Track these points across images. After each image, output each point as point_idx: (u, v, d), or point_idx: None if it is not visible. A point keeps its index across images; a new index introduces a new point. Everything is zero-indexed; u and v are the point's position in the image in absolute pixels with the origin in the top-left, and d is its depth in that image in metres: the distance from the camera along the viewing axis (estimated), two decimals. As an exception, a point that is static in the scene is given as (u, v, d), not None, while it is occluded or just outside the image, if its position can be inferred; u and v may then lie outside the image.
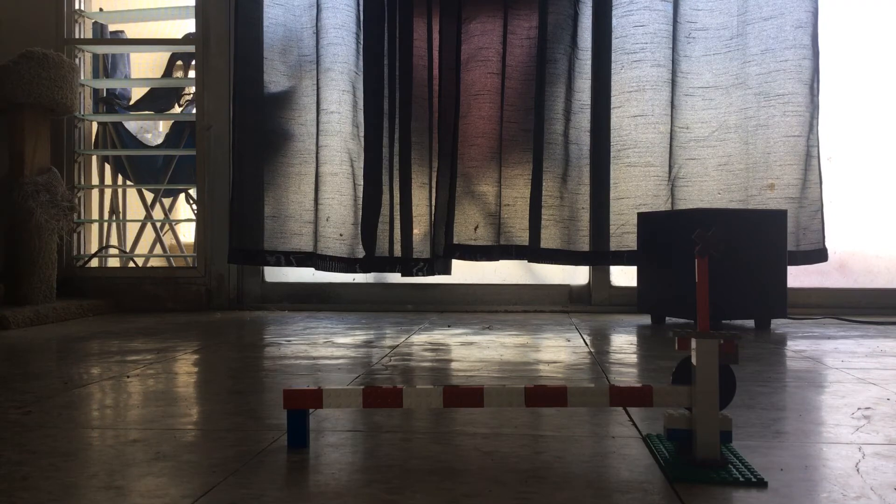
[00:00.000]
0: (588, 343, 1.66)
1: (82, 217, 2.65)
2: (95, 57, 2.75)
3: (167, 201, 3.06)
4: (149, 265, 2.76)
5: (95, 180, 2.76)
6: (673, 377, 0.74)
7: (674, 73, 2.32)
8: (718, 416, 0.70)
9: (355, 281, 2.58)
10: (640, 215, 2.15)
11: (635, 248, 2.23)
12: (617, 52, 2.34)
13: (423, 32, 2.37)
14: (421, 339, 1.71)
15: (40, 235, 2.18)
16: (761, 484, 0.66)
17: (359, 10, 2.40)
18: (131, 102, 2.90)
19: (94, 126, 2.75)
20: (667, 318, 2.12)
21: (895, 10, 2.47)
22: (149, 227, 2.92)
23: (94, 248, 2.72)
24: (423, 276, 2.39)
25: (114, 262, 2.78)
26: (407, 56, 2.35)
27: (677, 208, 2.31)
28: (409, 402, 0.75)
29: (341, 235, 2.40)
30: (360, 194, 2.40)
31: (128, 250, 2.86)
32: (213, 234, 2.53)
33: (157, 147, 2.95)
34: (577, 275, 2.54)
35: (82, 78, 2.63)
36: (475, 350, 1.54)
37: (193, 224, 2.60)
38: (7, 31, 2.52)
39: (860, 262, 2.49)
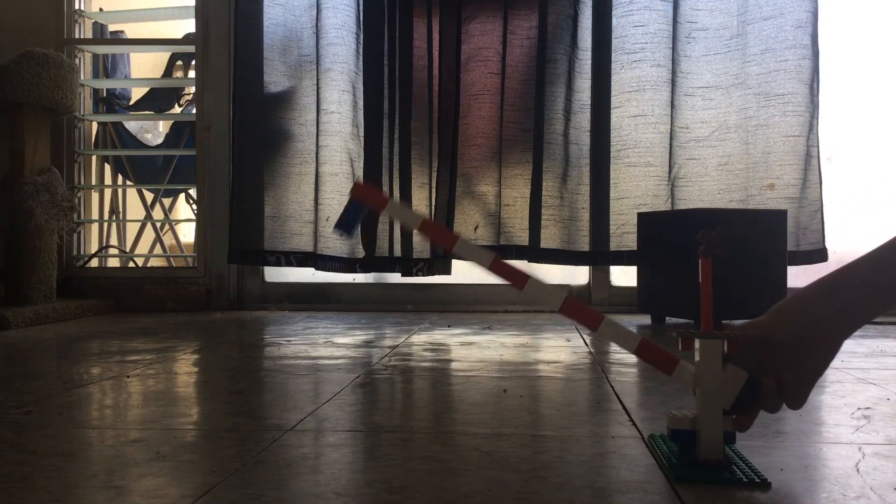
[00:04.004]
0: (588, 343, 1.66)
1: (82, 217, 2.65)
2: (95, 57, 2.75)
3: (167, 201, 3.06)
4: (149, 265, 2.76)
5: (95, 180, 2.76)
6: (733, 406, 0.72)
7: (674, 73, 2.32)
8: (722, 417, 0.70)
9: (355, 281, 2.58)
10: (640, 215, 2.15)
11: (635, 248, 2.22)
12: (617, 52, 2.34)
13: (423, 32, 2.37)
14: (421, 340, 1.71)
15: (40, 235, 2.18)
16: (765, 484, 0.66)
17: (359, 10, 2.40)
18: (131, 102, 2.91)
19: (94, 126, 2.75)
20: (667, 318, 2.12)
21: (895, 10, 2.47)
22: (149, 227, 2.92)
23: (94, 248, 2.72)
24: (423, 276, 2.39)
25: (114, 262, 2.78)
26: (407, 56, 2.35)
27: (677, 208, 2.31)
28: (461, 251, 0.75)
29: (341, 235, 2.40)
30: (360, 194, 2.39)
31: (128, 250, 2.86)
32: (213, 234, 2.53)
33: (157, 147, 2.95)
34: (577, 275, 2.54)
35: (82, 78, 2.63)
36: (475, 350, 1.54)
37: (193, 224, 2.60)
38: (7, 31, 2.52)
39: (860, 262, 2.48)
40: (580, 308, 0.75)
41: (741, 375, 0.71)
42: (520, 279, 0.74)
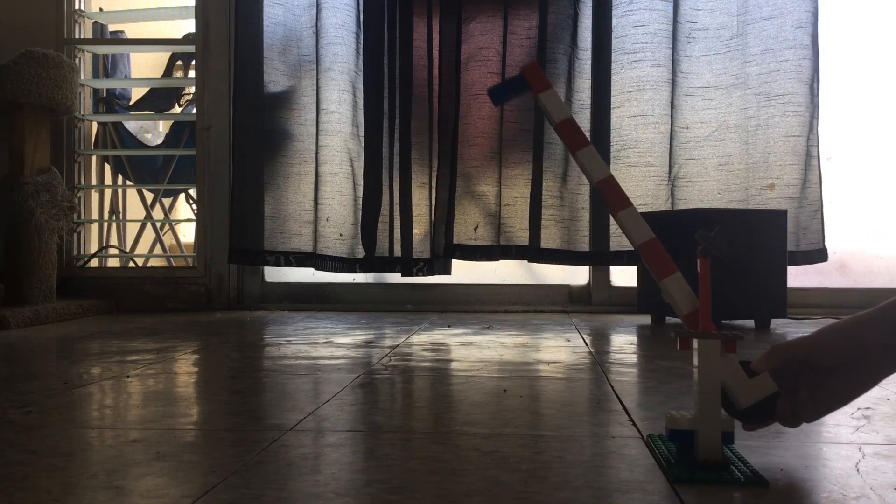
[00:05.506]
0: (588, 343, 1.66)
1: (82, 217, 2.65)
2: (95, 57, 2.75)
3: (167, 201, 3.06)
4: (149, 265, 2.76)
5: (95, 180, 2.76)
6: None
7: (674, 73, 2.32)
8: (721, 417, 0.70)
9: (355, 281, 2.58)
10: (640, 215, 2.15)
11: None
12: (617, 51, 2.34)
13: (423, 32, 2.37)
14: (421, 339, 1.71)
15: (40, 235, 2.18)
16: (763, 484, 0.66)
17: (359, 10, 2.40)
18: (131, 102, 2.91)
19: (94, 126, 2.75)
20: (667, 318, 2.12)
21: (895, 10, 2.47)
22: (149, 227, 2.92)
23: (94, 248, 2.72)
24: (423, 276, 2.39)
25: (114, 262, 2.78)
26: (407, 56, 2.35)
27: (677, 208, 2.31)
28: (583, 159, 0.75)
29: (341, 235, 2.40)
30: (360, 194, 2.40)
31: (128, 250, 2.86)
32: (213, 234, 2.53)
33: (157, 147, 2.95)
34: (577, 275, 2.54)
35: (82, 78, 2.63)
36: (475, 350, 1.54)
37: (193, 224, 2.60)
38: (7, 31, 2.52)
39: (860, 262, 2.49)
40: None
41: (769, 388, 0.71)
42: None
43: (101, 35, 2.74)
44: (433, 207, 2.38)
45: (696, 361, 0.71)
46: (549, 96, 0.73)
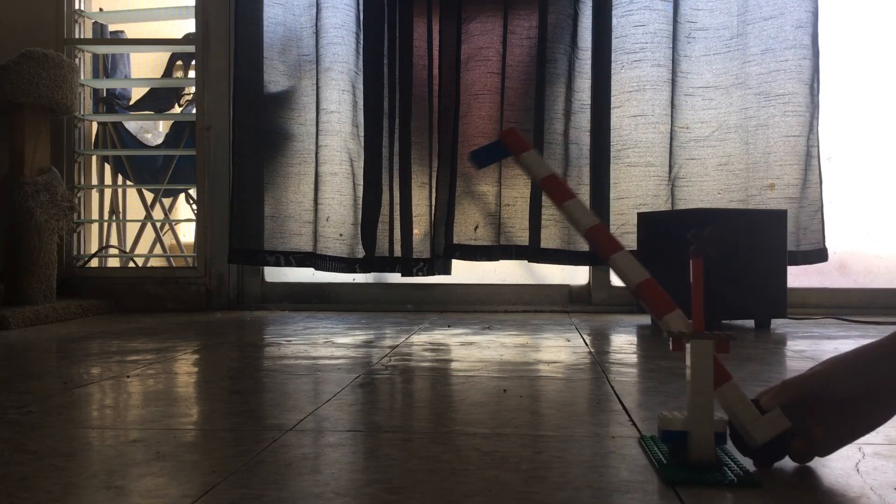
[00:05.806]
0: (588, 343, 1.66)
1: (82, 217, 2.65)
2: (95, 57, 2.75)
3: (167, 201, 3.06)
4: (149, 265, 2.76)
5: (95, 180, 2.76)
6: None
7: (674, 72, 2.32)
8: (713, 418, 0.70)
9: (355, 281, 2.58)
10: (640, 215, 2.15)
11: (635, 248, 2.22)
12: (617, 51, 2.34)
13: (423, 32, 2.37)
14: (421, 339, 1.71)
15: (40, 235, 2.18)
16: (755, 485, 0.66)
17: (359, 10, 2.40)
18: (131, 102, 2.91)
19: (94, 126, 2.75)
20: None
21: (895, 10, 2.47)
22: (149, 227, 2.92)
23: (94, 248, 2.72)
24: (423, 276, 2.39)
25: (114, 262, 2.78)
26: (407, 56, 2.35)
27: (677, 208, 2.31)
28: (572, 209, 0.76)
29: (341, 235, 2.40)
30: (360, 194, 2.40)
31: (128, 250, 2.86)
32: (213, 234, 2.53)
33: (157, 147, 2.95)
34: (577, 275, 2.54)
35: (82, 78, 2.63)
36: (475, 350, 1.54)
37: (193, 224, 2.60)
38: (7, 31, 2.52)
39: (860, 262, 2.49)
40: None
41: (783, 424, 0.70)
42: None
43: (101, 35, 2.74)
44: (433, 207, 2.38)
45: (688, 361, 0.70)
46: (529, 157, 0.75)
